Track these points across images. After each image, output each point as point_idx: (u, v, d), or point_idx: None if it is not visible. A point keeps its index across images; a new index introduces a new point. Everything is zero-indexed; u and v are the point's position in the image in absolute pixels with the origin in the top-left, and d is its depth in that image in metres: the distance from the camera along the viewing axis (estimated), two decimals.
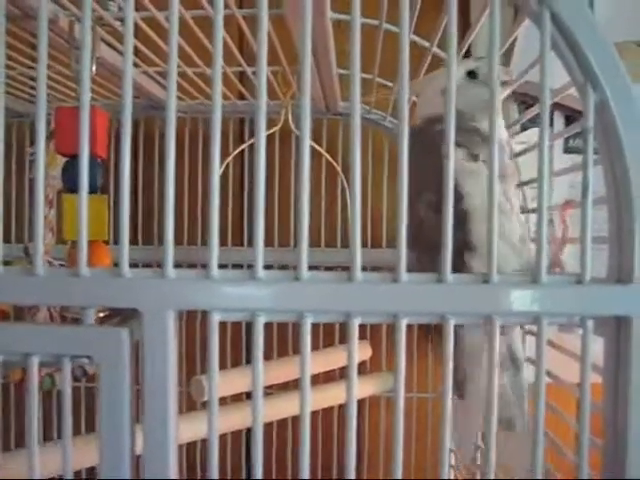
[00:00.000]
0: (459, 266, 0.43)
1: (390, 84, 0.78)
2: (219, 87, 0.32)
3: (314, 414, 0.89)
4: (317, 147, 0.80)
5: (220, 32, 0.32)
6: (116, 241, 0.33)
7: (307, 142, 0.32)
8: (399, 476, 0.32)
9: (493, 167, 0.31)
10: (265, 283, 0.32)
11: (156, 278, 0.32)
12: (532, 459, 0.32)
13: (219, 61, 0.32)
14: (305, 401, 0.32)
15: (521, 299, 0.32)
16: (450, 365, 0.32)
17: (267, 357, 0.78)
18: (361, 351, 0.86)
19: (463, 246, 0.52)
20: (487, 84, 0.32)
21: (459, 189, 0.51)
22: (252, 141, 0.79)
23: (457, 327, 0.32)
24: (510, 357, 0.56)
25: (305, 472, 0.32)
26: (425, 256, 0.46)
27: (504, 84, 0.57)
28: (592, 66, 0.31)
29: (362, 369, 0.91)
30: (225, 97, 0.85)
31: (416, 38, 0.62)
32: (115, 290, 0.32)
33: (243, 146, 0.79)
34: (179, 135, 0.94)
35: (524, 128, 0.95)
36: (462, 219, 0.52)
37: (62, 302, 0.33)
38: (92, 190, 0.54)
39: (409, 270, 0.31)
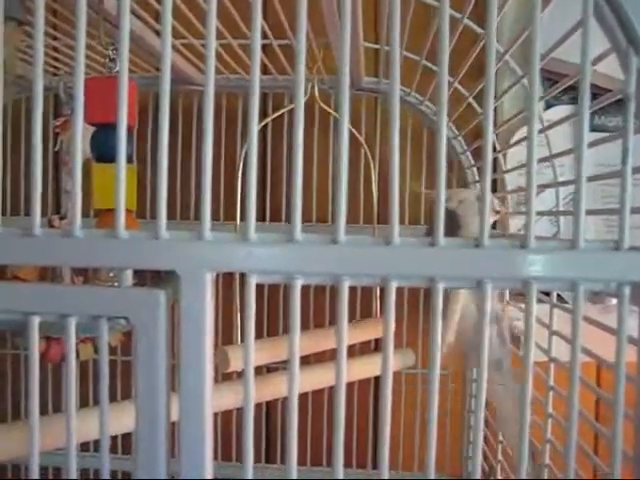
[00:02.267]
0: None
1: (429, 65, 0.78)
2: (258, 57, 0.32)
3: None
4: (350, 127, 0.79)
5: None
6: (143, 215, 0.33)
7: (346, 119, 0.32)
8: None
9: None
10: (302, 246, 0.32)
11: (193, 240, 0.32)
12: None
13: (258, 35, 0.32)
14: (341, 371, 0.32)
15: (558, 264, 0.32)
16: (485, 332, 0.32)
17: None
18: (378, 327, 0.86)
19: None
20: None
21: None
22: (275, 115, 0.81)
23: None
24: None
25: (340, 445, 0.32)
26: None
27: (497, 213, 0.72)
28: (636, 30, 0.31)
29: (380, 345, 0.91)
30: (248, 72, 0.84)
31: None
32: (152, 252, 0.33)
33: (267, 120, 0.78)
34: (200, 111, 0.94)
35: (548, 105, 0.94)
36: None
37: (100, 264, 0.33)
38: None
39: None
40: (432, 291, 0.32)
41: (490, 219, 0.70)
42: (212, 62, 0.32)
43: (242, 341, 0.77)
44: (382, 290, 0.32)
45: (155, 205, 0.33)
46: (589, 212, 0.37)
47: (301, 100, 0.32)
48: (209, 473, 0.34)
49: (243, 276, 0.32)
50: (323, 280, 0.32)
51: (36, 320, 0.33)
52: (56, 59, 0.86)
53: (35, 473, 0.34)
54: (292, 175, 0.31)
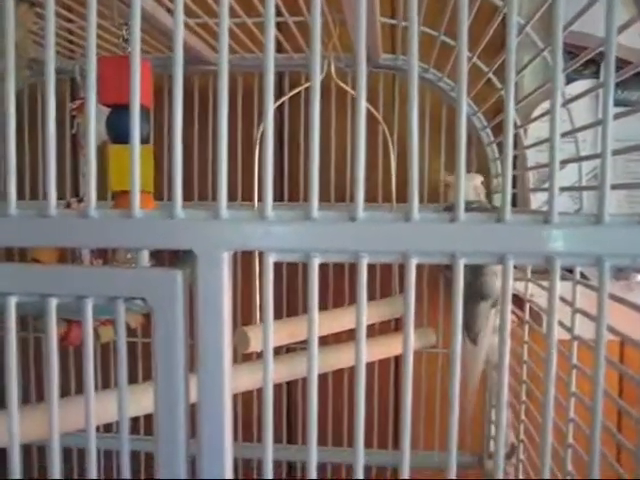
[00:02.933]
0: (474, 308, 0.73)
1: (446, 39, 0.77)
2: (272, 34, 0.31)
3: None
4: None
5: None
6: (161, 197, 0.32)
7: (363, 96, 0.31)
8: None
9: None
10: (320, 223, 0.31)
11: (210, 219, 0.32)
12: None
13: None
14: (360, 350, 0.32)
15: (582, 240, 0.31)
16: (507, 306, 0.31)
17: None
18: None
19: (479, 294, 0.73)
20: None
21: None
22: (292, 93, 0.80)
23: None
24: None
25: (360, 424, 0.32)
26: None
27: None
28: None
29: (400, 325, 0.91)
30: (262, 49, 0.84)
31: None
32: (169, 231, 0.32)
33: (284, 98, 0.78)
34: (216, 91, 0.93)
35: (570, 80, 0.93)
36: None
37: (115, 244, 0.33)
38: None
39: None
40: (453, 267, 0.31)
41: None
42: (225, 40, 0.31)
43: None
44: (402, 268, 0.32)
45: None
46: (614, 187, 0.36)
47: (317, 78, 0.31)
48: (229, 453, 0.34)
49: (262, 255, 0.32)
50: (341, 258, 0.31)
51: (53, 302, 0.33)
52: (71, 42, 0.86)
53: (56, 454, 0.34)
54: (309, 153, 0.31)
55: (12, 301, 0.33)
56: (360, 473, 0.32)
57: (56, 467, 0.34)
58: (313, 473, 0.33)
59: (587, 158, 0.56)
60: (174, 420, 0.33)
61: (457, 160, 0.31)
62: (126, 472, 0.34)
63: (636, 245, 0.31)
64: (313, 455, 0.33)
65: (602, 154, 0.31)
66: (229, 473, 0.34)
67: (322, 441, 0.95)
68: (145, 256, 0.33)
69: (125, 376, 0.34)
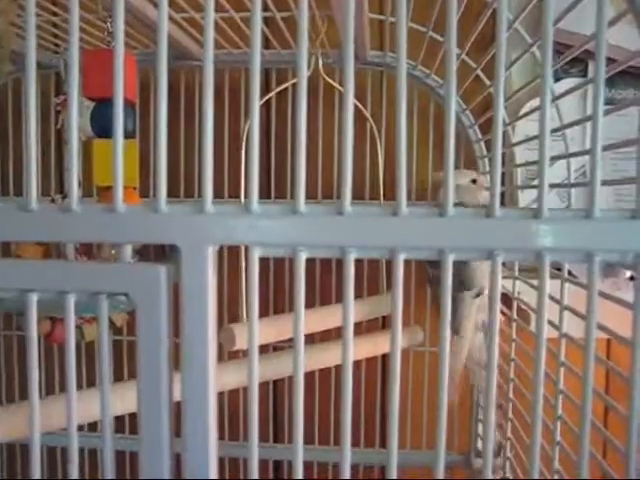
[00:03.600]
0: (456, 297, 0.75)
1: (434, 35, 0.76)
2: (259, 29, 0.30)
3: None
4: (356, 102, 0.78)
5: None
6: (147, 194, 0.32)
7: (351, 93, 0.31)
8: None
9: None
10: (307, 217, 0.30)
11: (194, 213, 0.31)
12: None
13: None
14: (347, 348, 0.31)
15: (572, 235, 0.30)
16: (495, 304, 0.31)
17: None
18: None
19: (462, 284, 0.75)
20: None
21: None
22: (279, 89, 0.79)
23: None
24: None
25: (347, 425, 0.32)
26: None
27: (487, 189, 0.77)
28: None
29: (388, 323, 0.90)
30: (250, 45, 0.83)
31: None
32: (152, 226, 0.31)
33: (270, 94, 0.77)
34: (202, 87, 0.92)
35: (557, 79, 0.93)
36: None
37: (98, 239, 0.32)
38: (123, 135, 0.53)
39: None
40: (442, 263, 0.30)
41: (481, 198, 0.73)
42: (211, 34, 0.31)
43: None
44: (389, 265, 0.31)
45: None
46: (604, 182, 0.35)
47: (304, 72, 0.31)
48: (213, 452, 0.33)
49: (247, 250, 0.31)
50: (328, 253, 0.31)
51: (34, 297, 0.32)
52: (56, 36, 0.85)
53: (36, 452, 0.34)
54: (296, 145, 0.30)
55: None
56: (347, 472, 0.32)
57: (36, 466, 0.34)
58: (299, 472, 0.32)
59: (576, 154, 0.56)
60: (158, 418, 0.33)
61: (445, 154, 0.30)
62: (109, 471, 0.34)
63: (626, 240, 0.30)
64: (299, 454, 0.32)
65: (592, 148, 0.30)
66: (214, 472, 0.34)
67: (309, 440, 0.94)
68: (128, 251, 0.32)
69: (108, 373, 0.33)
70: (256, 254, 0.31)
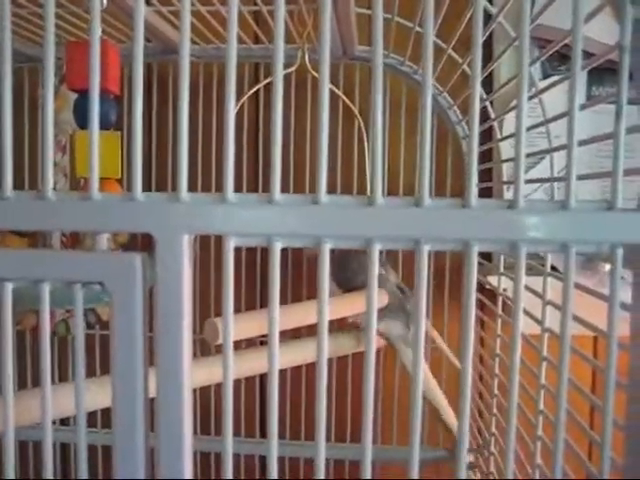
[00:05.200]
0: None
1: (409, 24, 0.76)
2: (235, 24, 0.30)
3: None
4: (335, 90, 0.78)
5: None
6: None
7: (327, 85, 0.30)
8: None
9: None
10: (282, 207, 0.30)
11: (170, 202, 0.31)
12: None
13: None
14: (322, 344, 0.31)
15: (548, 226, 0.30)
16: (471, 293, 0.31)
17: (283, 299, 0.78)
18: (380, 296, 0.85)
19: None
20: None
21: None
22: (268, 80, 0.79)
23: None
24: None
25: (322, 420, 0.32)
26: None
27: None
28: None
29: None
30: (240, 41, 0.83)
31: None
32: (128, 214, 0.31)
33: (259, 85, 0.77)
34: (192, 81, 0.92)
35: (546, 76, 0.93)
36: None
37: (73, 227, 0.32)
38: (105, 126, 0.53)
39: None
40: (417, 254, 0.30)
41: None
42: (187, 26, 0.31)
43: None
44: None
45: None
46: (581, 177, 0.35)
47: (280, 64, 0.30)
48: (188, 447, 0.33)
49: (222, 239, 0.31)
50: (304, 242, 0.31)
51: (9, 287, 0.32)
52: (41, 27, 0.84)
53: (10, 447, 0.33)
54: (272, 132, 0.30)
55: None
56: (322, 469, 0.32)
57: (11, 462, 0.33)
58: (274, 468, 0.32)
59: (557, 149, 0.56)
60: (133, 411, 0.32)
61: (422, 140, 0.30)
62: (83, 465, 0.33)
63: (602, 231, 0.30)
64: (274, 450, 0.32)
65: (568, 138, 0.30)
66: (189, 467, 0.33)
67: (295, 436, 0.94)
68: (104, 240, 0.32)
69: (83, 366, 0.33)
70: (231, 244, 0.31)
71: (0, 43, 0.31)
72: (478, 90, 0.30)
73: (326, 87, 0.29)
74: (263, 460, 1.01)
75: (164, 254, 0.31)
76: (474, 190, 0.30)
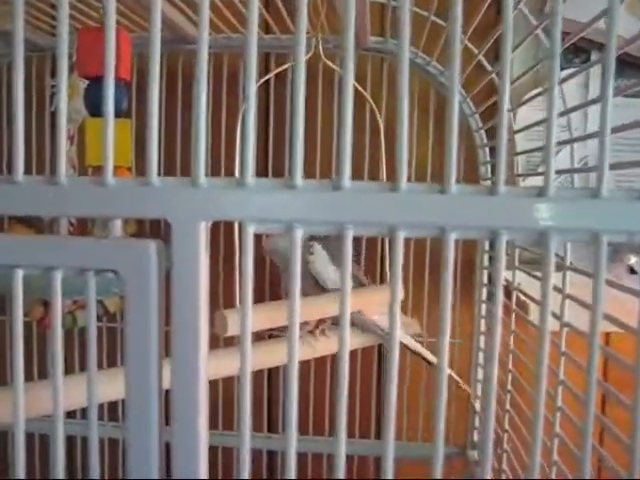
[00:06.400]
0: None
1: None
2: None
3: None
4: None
5: None
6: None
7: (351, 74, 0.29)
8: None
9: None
10: (303, 192, 0.29)
11: (187, 187, 0.30)
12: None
13: None
14: (344, 338, 0.30)
15: (578, 214, 0.29)
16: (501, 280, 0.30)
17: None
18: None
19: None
20: None
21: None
22: (278, 71, 0.78)
23: None
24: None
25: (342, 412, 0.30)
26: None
27: None
28: None
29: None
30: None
31: None
32: (143, 200, 0.30)
33: (269, 75, 0.76)
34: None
35: (560, 68, 0.92)
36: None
37: (86, 213, 0.31)
38: (117, 114, 0.52)
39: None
40: (443, 242, 0.29)
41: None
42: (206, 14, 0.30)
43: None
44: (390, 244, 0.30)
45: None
46: (613, 166, 0.34)
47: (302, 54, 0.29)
48: (203, 442, 0.32)
49: (241, 226, 0.30)
50: (325, 229, 0.29)
51: (20, 273, 0.31)
52: (54, 17, 0.83)
53: (21, 440, 0.32)
54: (294, 115, 0.29)
55: None
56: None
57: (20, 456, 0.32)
58: (292, 463, 0.31)
59: (583, 138, 0.55)
60: (147, 404, 0.31)
61: (448, 128, 0.29)
62: (95, 460, 0.32)
63: (634, 221, 0.29)
64: (292, 444, 0.31)
65: (601, 125, 0.29)
66: (204, 462, 0.32)
67: (303, 430, 0.93)
68: (118, 226, 0.31)
69: (95, 357, 0.32)
70: (250, 230, 0.29)
71: (13, 32, 0.30)
72: (508, 81, 0.29)
73: (351, 76, 0.28)
74: (270, 455, 1.00)
75: (180, 241, 0.30)
76: (502, 177, 0.29)
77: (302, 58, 0.28)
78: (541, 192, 0.29)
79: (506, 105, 0.29)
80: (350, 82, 0.28)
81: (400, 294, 0.30)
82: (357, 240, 0.88)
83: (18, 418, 0.32)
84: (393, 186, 0.29)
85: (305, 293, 0.67)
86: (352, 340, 0.79)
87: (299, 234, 0.29)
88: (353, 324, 0.78)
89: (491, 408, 0.31)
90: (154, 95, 0.30)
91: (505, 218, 0.29)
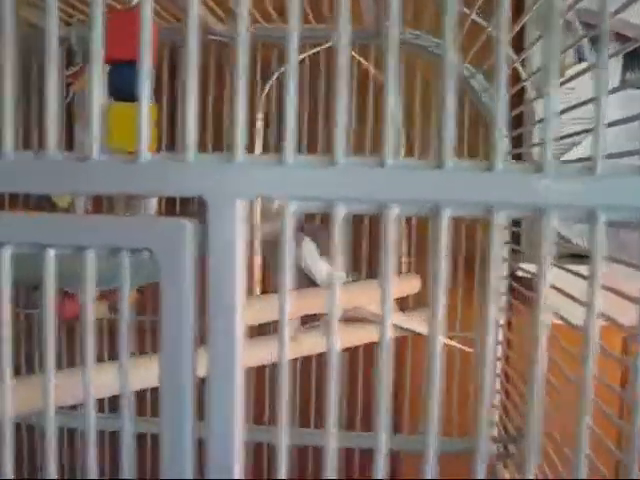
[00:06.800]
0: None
1: None
2: None
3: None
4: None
5: None
6: None
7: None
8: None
9: None
10: (345, 169, 0.28)
11: (223, 163, 0.29)
12: None
13: None
14: (386, 325, 0.29)
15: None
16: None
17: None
18: (411, 282, 0.83)
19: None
20: None
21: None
22: (313, 51, 0.78)
23: None
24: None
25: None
26: None
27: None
28: None
29: (404, 305, 0.87)
30: (254, 20, 0.82)
31: None
32: (178, 177, 0.29)
33: (305, 54, 0.77)
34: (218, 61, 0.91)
35: (580, 59, 0.91)
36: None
37: (119, 190, 0.30)
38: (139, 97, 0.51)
39: None
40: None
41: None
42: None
43: (263, 292, 0.74)
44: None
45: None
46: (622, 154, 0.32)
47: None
48: (240, 437, 0.31)
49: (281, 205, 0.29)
50: (368, 208, 0.28)
51: (51, 252, 0.30)
52: (73, 7, 0.83)
53: (51, 428, 0.31)
54: (337, 88, 0.28)
55: (7, 252, 0.30)
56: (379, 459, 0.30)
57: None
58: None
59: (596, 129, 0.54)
60: (180, 396, 0.30)
61: (498, 98, 0.28)
62: (129, 455, 0.31)
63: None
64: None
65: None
66: (240, 459, 0.31)
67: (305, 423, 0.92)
68: (152, 204, 0.30)
69: (127, 345, 0.30)
70: (291, 209, 0.28)
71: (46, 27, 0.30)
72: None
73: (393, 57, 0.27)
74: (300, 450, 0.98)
75: (216, 220, 0.29)
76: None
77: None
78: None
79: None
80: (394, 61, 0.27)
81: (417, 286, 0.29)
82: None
83: (48, 406, 0.31)
84: (438, 163, 0.28)
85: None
86: (358, 334, 0.79)
87: (341, 212, 0.28)
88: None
89: (533, 407, 0.30)
90: (192, 70, 0.29)
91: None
